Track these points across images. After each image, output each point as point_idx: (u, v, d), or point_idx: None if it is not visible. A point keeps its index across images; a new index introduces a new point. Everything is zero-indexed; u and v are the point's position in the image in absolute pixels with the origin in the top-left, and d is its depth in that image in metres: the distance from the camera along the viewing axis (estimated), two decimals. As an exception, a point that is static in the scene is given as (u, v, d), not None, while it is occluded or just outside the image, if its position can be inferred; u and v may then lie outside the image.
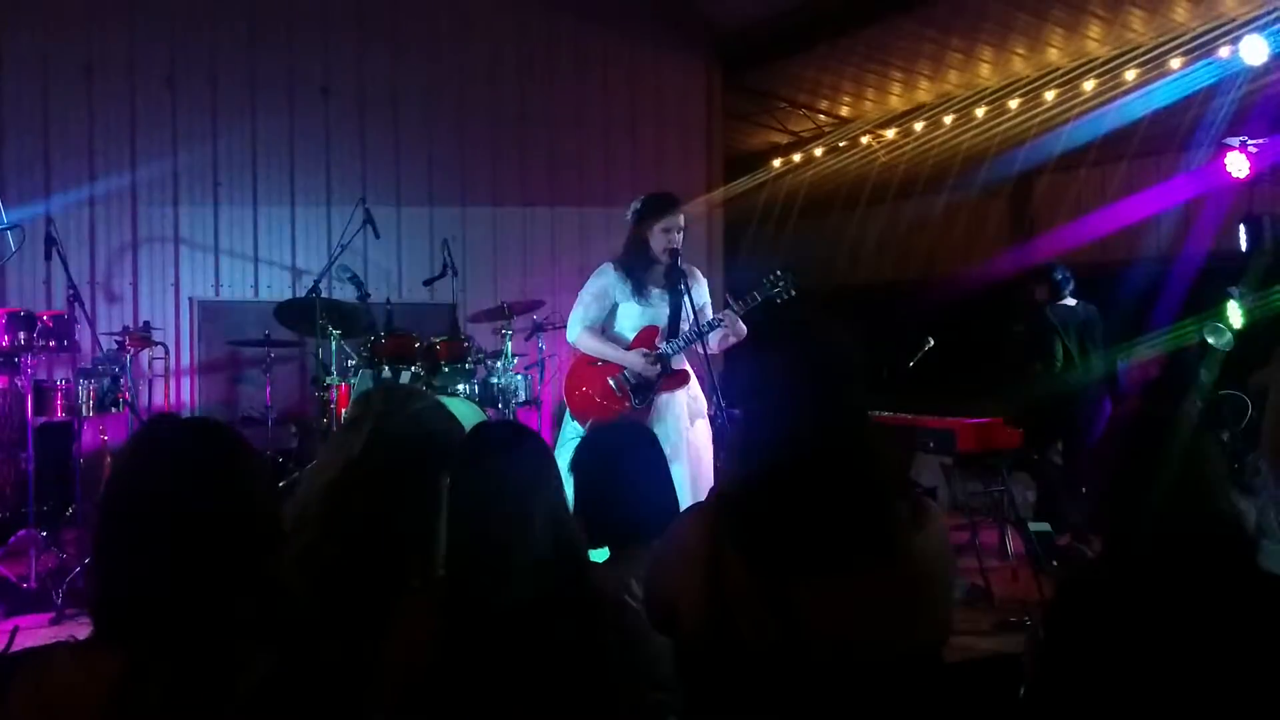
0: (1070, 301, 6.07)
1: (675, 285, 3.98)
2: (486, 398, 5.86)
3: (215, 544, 1.34)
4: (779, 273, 3.97)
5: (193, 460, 1.37)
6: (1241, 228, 6.09)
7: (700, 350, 3.94)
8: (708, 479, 3.95)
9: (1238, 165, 6.17)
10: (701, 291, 4.05)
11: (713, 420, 4.17)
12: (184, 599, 1.31)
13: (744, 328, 3.95)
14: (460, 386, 5.77)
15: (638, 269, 3.98)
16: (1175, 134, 7.66)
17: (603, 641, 1.69)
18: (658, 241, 3.92)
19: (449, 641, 1.65)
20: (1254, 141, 6.07)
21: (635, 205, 4.01)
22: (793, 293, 3.94)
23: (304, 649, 1.41)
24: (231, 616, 1.33)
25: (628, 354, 3.94)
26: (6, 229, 5.31)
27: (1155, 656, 1.69)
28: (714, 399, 3.94)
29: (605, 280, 4.02)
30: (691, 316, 3.92)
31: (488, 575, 1.69)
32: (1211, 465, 1.81)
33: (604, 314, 4.04)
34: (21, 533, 4.83)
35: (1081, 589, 1.85)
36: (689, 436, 3.98)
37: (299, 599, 1.50)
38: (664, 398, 3.96)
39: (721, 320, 3.90)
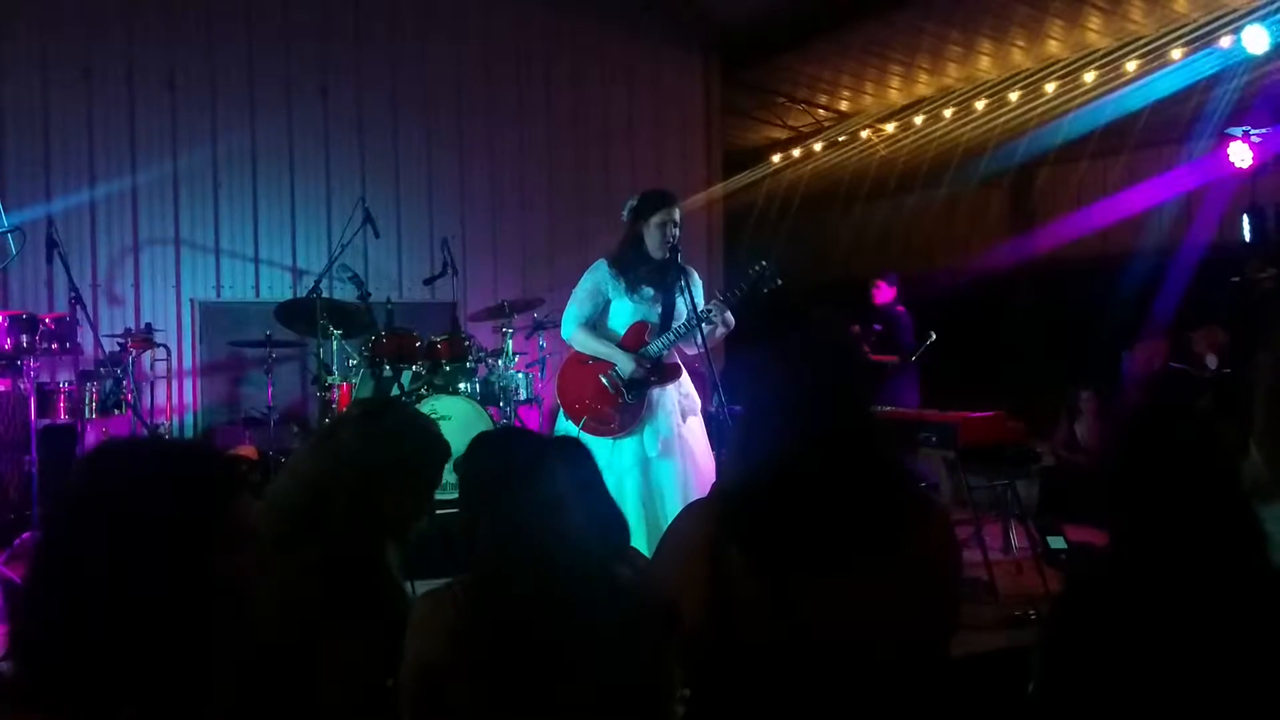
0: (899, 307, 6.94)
1: (673, 283, 3.97)
2: (487, 396, 5.86)
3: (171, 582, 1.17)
4: (762, 263, 3.97)
5: (143, 485, 1.20)
6: (1245, 218, 6.07)
7: (699, 346, 3.93)
8: (704, 475, 3.94)
9: (1240, 155, 6.14)
10: (699, 291, 4.04)
11: (714, 416, 4.15)
12: (131, 644, 1.15)
13: (731, 318, 3.96)
14: (461, 385, 5.77)
15: (631, 266, 3.96)
16: (1177, 125, 7.64)
17: (636, 640, 1.68)
18: (653, 237, 3.91)
19: (475, 640, 1.65)
20: (1257, 131, 6.05)
21: (631, 202, 4.00)
22: (778, 281, 3.94)
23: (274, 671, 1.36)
24: (190, 660, 1.19)
25: (620, 352, 3.93)
26: (7, 232, 5.31)
27: (1166, 653, 1.67)
28: (715, 395, 3.93)
29: (598, 277, 4.01)
30: (692, 314, 3.90)
31: (528, 577, 1.69)
32: (1222, 456, 1.80)
33: (598, 310, 4.03)
34: (26, 535, 4.83)
35: (1090, 584, 1.83)
36: (681, 433, 3.97)
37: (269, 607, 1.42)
38: (656, 393, 3.95)
39: (710, 311, 3.89)
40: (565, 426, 3.98)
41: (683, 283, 3.91)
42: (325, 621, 1.72)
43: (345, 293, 6.07)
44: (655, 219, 3.91)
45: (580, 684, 1.64)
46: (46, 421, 5.28)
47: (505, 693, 1.63)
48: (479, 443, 1.86)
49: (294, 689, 1.38)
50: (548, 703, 1.63)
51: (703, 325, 3.85)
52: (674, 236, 3.92)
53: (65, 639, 1.15)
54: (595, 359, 3.98)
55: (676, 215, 3.95)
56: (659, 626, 1.71)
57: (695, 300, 3.91)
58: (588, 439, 3.88)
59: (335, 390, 5.67)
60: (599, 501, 1.88)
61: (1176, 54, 6.65)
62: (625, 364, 3.90)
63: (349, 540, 1.90)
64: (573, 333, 4.03)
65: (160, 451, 1.30)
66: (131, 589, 1.16)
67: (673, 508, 3.75)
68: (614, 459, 3.89)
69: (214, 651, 1.20)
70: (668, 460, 3.91)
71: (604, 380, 3.93)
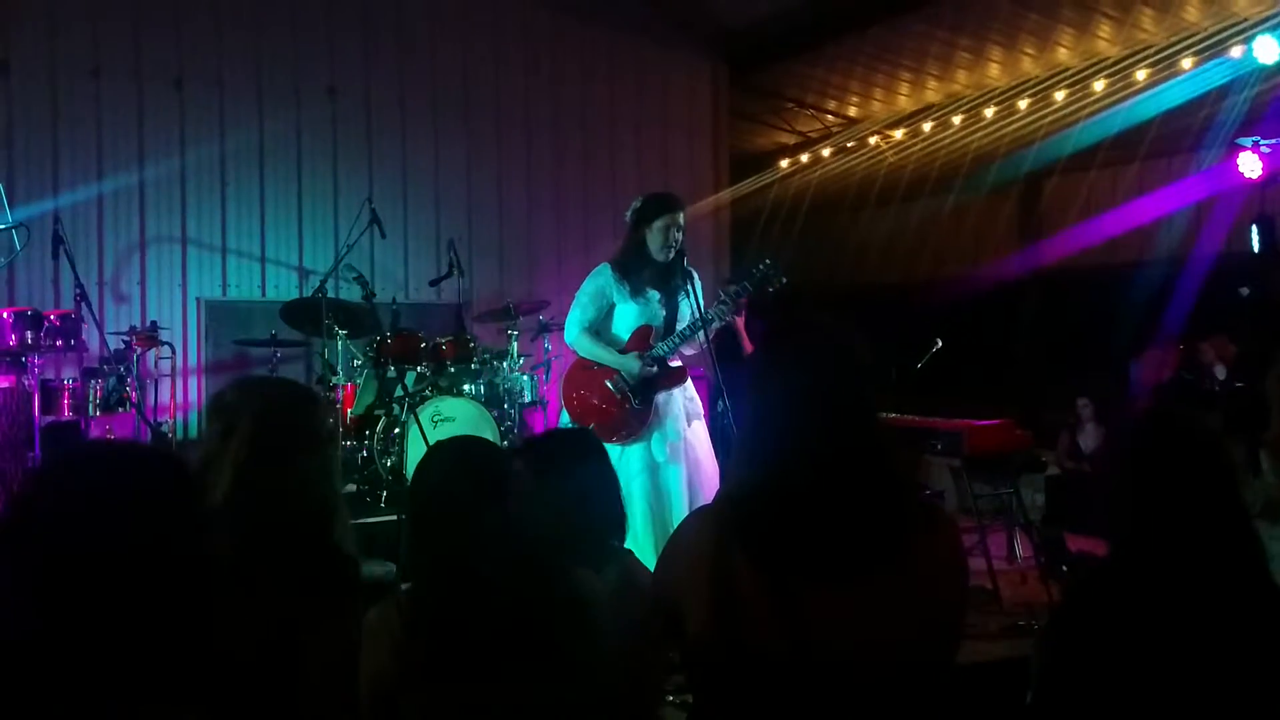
0: None
1: (678, 286, 3.97)
2: (492, 398, 5.85)
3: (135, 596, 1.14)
4: (766, 262, 3.95)
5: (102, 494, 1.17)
6: (1254, 229, 6.05)
7: (704, 348, 3.91)
8: (708, 480, 3.93)
9: (1250, 166, 6.13)
10: (700, 294, 4.03)
11: (719, 420, 4.14)
12: (95, 651, 1.12)
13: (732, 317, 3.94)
14: (466, 387, 5.77)
15: (635, 269, 3.95)
16: (1186, 134, 7.62)
17: (593, 648, 1.67)
18: (655, 241, 3.90)
19: (419, 651, 1.65)
20: (1267, 142, 6.03)
21: (635, 204, 3.99)
22: (783, 280, 3.92)
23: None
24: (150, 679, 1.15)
25: (623, 357, 3.91)
26: (11, 228, 5.33)
27: (1164, 663, 1.66)
28: (720, 399, 3.91)
29: (602, 281, 3.99)
30: (697, 317, 3.89)
31: (469, 591, 1.68)
32: (1224, 469, 1.78)
33: (601, 314, 4.01)
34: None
35: (1089, 594, 1.82)
36: (687, 437, 3.96)
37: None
38: (662, 398, 3.94)
39: (713, 317, 3.88)
40: None
41: (687, 286, 3.91)
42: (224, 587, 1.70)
43: (351, 293, 6.06)
44: (659, 223, 3.90)
45: (528, 693, 1.63)
46: (50, 418, 5.29)
47: (452, 703, 1.62)
48: (432, 454, 1.85)
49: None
50: (496, 712, 1.62)
51: (708, 326, 3.84)
52: (677, 241, 3.91)
53: (42, 640, 1.12)
54: (600, 364, 3.96)
55: (680, 219, 3.94)
56: (624, 632, 1.70)
57: (698, 302, 3.90)
58: None
59: (339, 390, 5.66)
60: (572, 500, 1.87)
61: (1187, 63, 6.63)
62: (631, 367, 3.88)
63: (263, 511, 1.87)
64: (576, 337, 4.00)
65: (116, 461, 1.25)
66: (104, 594, 1.13)
67: (679, 512, 3.74)
68: (621, 465, 3.87)
69: (192, 646, 1.18)
70: (675, 465, 3.90)
71: (610, 385, 3.91)
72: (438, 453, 1.85)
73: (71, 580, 1.12)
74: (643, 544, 3.70)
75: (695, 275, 4.00)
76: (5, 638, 1.13)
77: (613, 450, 3.86)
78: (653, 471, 3.88)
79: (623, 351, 3.95)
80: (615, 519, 2.25)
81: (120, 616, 1.13)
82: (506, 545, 1.69)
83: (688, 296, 3.94)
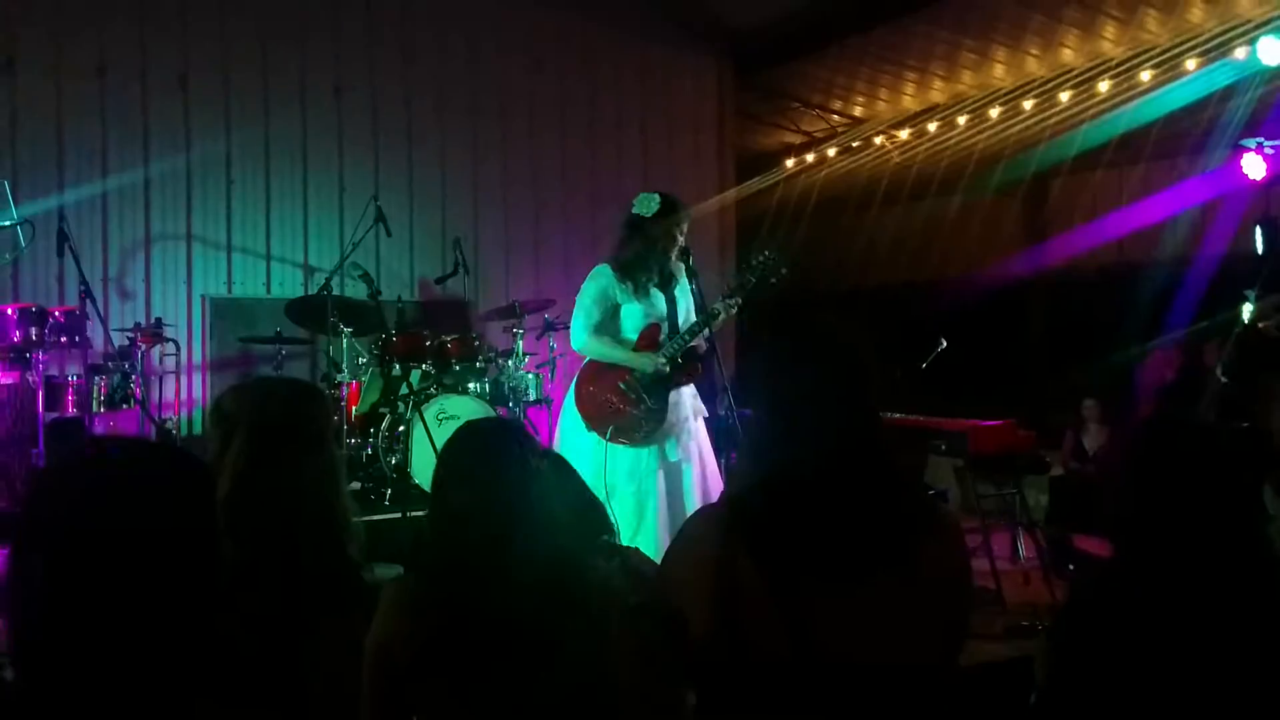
0: None
1: (681, 284, 3.98)
2: (497, 396, 5.86)
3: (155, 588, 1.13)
4: (766, 253, 3.93)
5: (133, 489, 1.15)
6: (1258, 230, 6.03)
7: (710, 345, 3.91)
8: (714, 476, 3.93)
9: (1254, 167, 6.11)
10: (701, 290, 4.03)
11: (723, 420, 4.14)
12: (114, 650, 1.11)
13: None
14: (471, 385, 5.78)
15: (636, 269, 3.94)
16: (1191, 136, 7.61)
17: (601, 633, 1.67)
18: (659, 243, 3.91)
19: (427, 626, 1.66)
20: (1271, 143, 6.01)
21: (652, 205, 3.94)
22: (784, 270, 3.90)
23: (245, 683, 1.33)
24: (171, 670, 1.14)
25: (636, 356, 3.90)
26: (17, 225, 5.34)
27: (1169, 663, 1.66)
28: (724, 398, 3.91)
29: (603, 282, 3.97)
30: (701, 311, 3.90)
31: (477, 563, 1.69)
32: (1230, 467, 1.78)
33: (606, 317, 3.98)
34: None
35: (1095, 594, 1.82)
36: (695, 434, 3.97)
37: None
38: (674, 397, 3.93)
39: (720, 312, 3.88)
40: (585, 439, 3.93)
41: (692, 285, 3.91)
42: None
43: (356, 291, 6.07)
44: (663, 225, 3.90)
45: (534, 673, 1.63)
46: (54, 415, 5.29)
47: (458, 679, 1.63)
48: (460, 430, 1.86)
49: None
50: (501, 691, 1.63)
51: (714, 321, 3.84)
52: (677, 242, 3.92)
53: (56, 638, 1.12)
54: (612, 367, 3.94)
55: (683, 222, 3.95)
56: (636, 622, 1.70)
57: (701, 298, 3.90)
58: (612, 449, 3.85)
59: (344, 388, 5.68)
60: (577, 499, 1.86)
61: (1191, 65, 6.62)
62: (646, 365, 3.87)
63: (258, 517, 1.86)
64: (585, 341, 3.98)
65: (131, 457, 1.23)
66: (113, 602, 1.12)
67: (691, 510, 3.74)
68: (636, 465, 3.86)
69: (199, 648, 1.17)
70: (687, 464, 3.90)
71: (623, 386, 3.89)
72: (469, 433, 1.85)
73: (85, 578, 1.12)
74: (658, 543, 3.70)
75: (698, 274, 4.00)
76: (20, 636, 1.13)
77: (628, 452, 3.86)
78: (667, 471, 3.88)
79: (633, 351, 3.95)
80: (587, 519, 2.24)
81: (133, 615, 1.13)
82: (526, 532, 1.70)
83: (690, 294, 3.94)
